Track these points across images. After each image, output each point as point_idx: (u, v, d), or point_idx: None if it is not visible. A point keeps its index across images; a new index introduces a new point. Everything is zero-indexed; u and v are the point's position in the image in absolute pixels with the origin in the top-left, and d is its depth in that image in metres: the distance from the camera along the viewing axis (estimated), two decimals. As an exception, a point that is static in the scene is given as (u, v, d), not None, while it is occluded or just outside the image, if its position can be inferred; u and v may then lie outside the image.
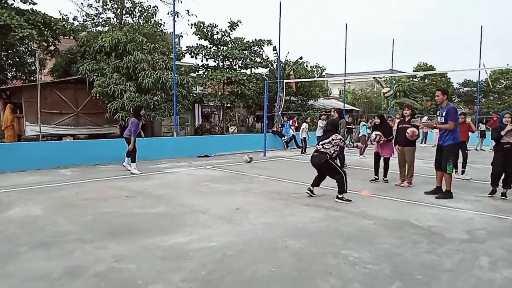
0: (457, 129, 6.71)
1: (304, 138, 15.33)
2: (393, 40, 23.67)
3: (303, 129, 15.45)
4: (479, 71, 22.46)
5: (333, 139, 6.46)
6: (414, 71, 36.55)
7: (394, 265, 3.72)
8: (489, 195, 6.95)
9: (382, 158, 8.43)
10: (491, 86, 30.58)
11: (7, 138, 13.01)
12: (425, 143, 18.80)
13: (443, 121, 6.73)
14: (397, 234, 4.69)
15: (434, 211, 5.85)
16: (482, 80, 25.72)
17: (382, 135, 8.16)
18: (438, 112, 7.06)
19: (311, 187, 6.78)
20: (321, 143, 6.54)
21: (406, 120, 7.94)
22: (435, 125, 7.24)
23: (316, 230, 4.83)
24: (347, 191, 6.42)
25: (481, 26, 21.75)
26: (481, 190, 7.57)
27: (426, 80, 36.40)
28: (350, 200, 6.35)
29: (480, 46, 21.61)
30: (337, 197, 6.40)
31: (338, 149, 6.58)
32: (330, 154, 6.45)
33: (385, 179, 8.33)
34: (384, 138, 8.17)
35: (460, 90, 38.71)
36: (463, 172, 9.25)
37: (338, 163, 6.62)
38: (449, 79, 37.67)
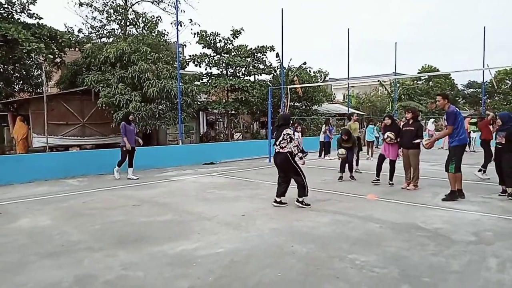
0: (462, 130, 6.70)
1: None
2: (396, 43, 23.71)
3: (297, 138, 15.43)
4: (483, 72, 22.39)
5: (284, 134, 6.17)
6: (418, 73, 36.51)
7: (402, 268, 3.72)
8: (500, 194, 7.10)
9: (387, 161, 8.41)
10: (496, 87, 30.45)
11: (19, 150, 13.25)
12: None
13: (445, 124, 6.87)
14: (403, 237, 4.68)
15: (441, 213, 5.83)
16: (486, 81, 25.64)
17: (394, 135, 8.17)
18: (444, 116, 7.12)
19: (277, 198, 6.43)
20: (277, 142, 6.25)
21: (410, 123, 7.94)
22: (436, 139, 7.36)
23: (322, 234, 4.83)
24: (307, 194, 6.26)
25: (484, 27, 21.73)
26: (487, 191, 7.53)
27: (430, 83, 36.32)
28: (309, 205, 6.21)
29: (484, 47, 21.55)
30: (297, 200, 6.25)
31: (297, 145, 6.19)
32: (290, 152, 6.15)
33: (390, 182, 8.31)
34: (395, 139, 8.15)
35: (465, 91, 38.57)
36: (481, 171, 9.25)
37: (300, 165, 6.27)
38: (453, 81, 37.57)
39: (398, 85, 27.32)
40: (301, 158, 6.23)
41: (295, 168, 6.23)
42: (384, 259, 3.95)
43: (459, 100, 38.98)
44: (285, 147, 6.16)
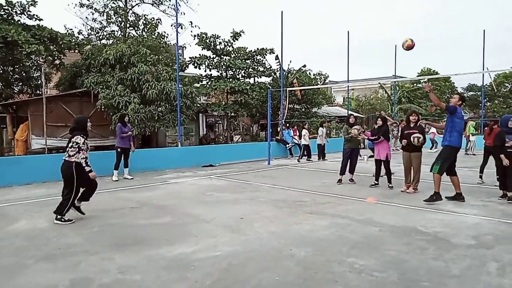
0: (454, 133, 6.66)
1: (306, 144, 15.33)
2: (396, 46, 23.71)
3: (304, 135, 15.47)
4: (483, 75, 22.42)
5: (72, 142, 5.51)
6: (418, 76, 36.54)
7: (401, 272, 3.69)
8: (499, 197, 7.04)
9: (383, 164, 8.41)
10: (496, 90, 30.47)
11: (18, 152, 13.29)
12: (435, 148, 18.66)
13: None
14: (403, 241, 4.65)
15: (440, 217, 5.80)
16: (486, 84, 25.65)
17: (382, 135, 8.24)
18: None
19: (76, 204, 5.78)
20: (67, 149, 5.62)
21: (412, 125, 7.90)
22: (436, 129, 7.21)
23: (321, 238, 4.80)
24: (64, 215, 5.58)
25: (484, 31, 21.78)
26: (488, 194, 7.51)
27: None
28: (72, 220, 5.57)
29: (483, 50, 21.60)
30: (56, 218, 5.53)
31: (85, 157, 5.56)
32: (78, 162, 5.50)
33: (390, 185, 8.28)
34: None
35: (465, 94, 38.56)
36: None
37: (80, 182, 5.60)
38: (453, 84, 37.59)
39: (397, 88, 27.31)
40: (90, 171, 5.58)
41: (72, 185, 5.55)
42: (383, 263, 3.92)
43: (459, 104, 38.98)
44: (73, 155, 5.52)
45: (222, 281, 3.54)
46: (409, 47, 7.87)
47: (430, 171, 6.85)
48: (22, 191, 8.32)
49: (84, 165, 5.54)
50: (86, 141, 5.67)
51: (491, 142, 8.09)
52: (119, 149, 9.81)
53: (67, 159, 5.59)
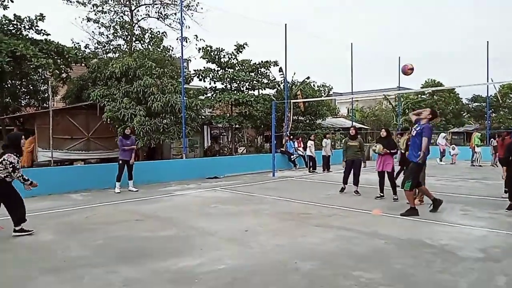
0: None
1: (311, 156, 15.32)
2: (399, 57, 23.80)
3: (310, 146, 15.47)
4: (487, 86, 22.38)
5: (4, 160, 5.37)
6: (422, 87, 36.54)
7: (408, 286, 3.65)
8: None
9: (386, 176, 8.35)
10: (501, 101, 30.36)
11: (23, 162, 13.39)
12: (441, 161, 18.55)
13: (414, 134, 6.73)
14: (409, 254, 4.60)
15: (447, 229, 5.74)
16: (491, 95, 25.57)
17: (386, 147, 8.14)
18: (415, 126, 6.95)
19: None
20: None
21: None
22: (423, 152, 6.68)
23: (327, 251, 4.77)
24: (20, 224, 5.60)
25: (487, 42, 21.85)
26: (495, 206, 7.43)
27: (434, 97, 36.29)
28: (31, 230, 5.60)
29: (487, 62, 21.63)
30: (15, 230, 5.52)
31: (21, 175, 5.51)
32: (3, 178, 5.39)
33: (395, 197, 8.22)
34: (385, 149, 8.14)
35: (470, 105, 38.45)
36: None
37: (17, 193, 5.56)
38: (457, 95, 37.51)
39: (402, 99, 27.30)
40: (30, 184, 5.63)
41: (8, 198, 5.52)
42: (390, 277, 3.88)
43: (464, 114, 38.86)
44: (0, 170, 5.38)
45: (227, 294, 3.52)
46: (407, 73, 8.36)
47: (402, 187, 6.80)
48: (27, 204, 8.25)
49: (23, 181, 5.53)
50: (19, 159, 5.55)
51: (502, 153, 8.07)
52: (120, 161, 9.90)
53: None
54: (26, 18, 13.24)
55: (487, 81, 20.36)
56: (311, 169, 15.25)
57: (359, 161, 9.18)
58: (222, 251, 4.78)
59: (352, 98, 23.57)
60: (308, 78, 21.53)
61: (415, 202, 7.71)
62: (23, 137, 5.92)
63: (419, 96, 33.41)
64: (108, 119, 13.22)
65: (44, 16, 13.47)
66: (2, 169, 5.39)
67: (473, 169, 15.62)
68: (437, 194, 8.69)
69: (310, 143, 15.60)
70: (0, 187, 5.43)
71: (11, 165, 5.40)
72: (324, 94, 28.18)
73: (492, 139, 17.53)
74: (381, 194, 8.44)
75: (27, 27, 13.42)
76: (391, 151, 8.28)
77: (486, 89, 23.59)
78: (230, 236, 5.46)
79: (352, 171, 9.17)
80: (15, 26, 13.20)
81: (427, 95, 35.93)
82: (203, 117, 17.35)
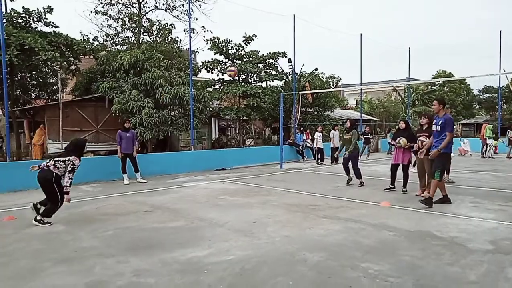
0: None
1: (320, 148, 15.28)
2: (409, 48, 23.48)
3: (317, 138, 15.42)
4: (499, 77, 21.98)
5: (69, 160, 5.75)
6: (432, 78, 36.07)
7: (416, 278, 3.64)
8: None
9: (400, 167, 8.28)
10: (513, 92, 29.82)
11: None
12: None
13: (438, 129, 6.74)
14: (418, 246, 4.58)
15: (456, 222, 5.70)
16: (503, 86, 25.16)
17: (406, 140, 8.04)
18: (434, 121, 6.98)
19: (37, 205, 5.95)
20: (56, 158, 5.88)
21: (424, 128, 7.80)
22: (439, 149, 6.66)
23: (334, 242, 4.77)
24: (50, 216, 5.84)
25: (500, 32, 21.41)
26: (505, 199, 7.35)
27: (445, 88, 35.82)
28: (50, 222, 5.79)
29: (500, 52, 21.22)
30: (35, 219, 5.75)
31: (69, 174, 5.73)
32: (58, 174, 5.74)
33: (404, 189, 8.17)
34: (408, 143, 8.03)
35: (481, 96, 37.88)
36: None
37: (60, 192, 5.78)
38: (468, 86, 36.96)
39: (411, 90, 26.99)
40: (67, 193, 5.80)
41: (55, 195, 5.78)
42: (398, 268, 3.87)
43: (474, 106, 38.34)
44: (58, 168, 5.75)
45: (235, 285, 3.55)
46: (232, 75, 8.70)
47: (432, 178, 6.80)
48: (38, 195, 8.40)
49: (68, 186, 5.76)
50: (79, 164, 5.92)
51: None
52: (122, 155, 9.97)
53: (51, 168, 5.76)
54: (34, 10, 13.30)
55: (499, 72, 20.00)
56: (319, 161, 15.22)
57: (354, 153, 9.30)
58: (231, 242, 4.82)
59: (361, 89, 23.35)
60: (316, 69, 21.39)
61: (424, 194, 7.69)
62: (86, 143, 6.42)
63: (429, 87, 32.98)
64: (117, 111, 13.31)
65: (52, 9, 13.51)
66: (62, 167, 5.76)
67: (484, 161, 15.45)
68: (447, 187, 8.64)
69: (317, 134, 15.55)
70: (53, 179, 5.73)
71: (71, 166, 5.77)
72: (333, 85, 27.96)
73: (509, 130, 17.21)
74: (392, 186, 8.39)
75: (35, 19, 13.48)
76: (412, 144, 8.18)
77: (498, 80, 23.18)
78: (239, 228, 5.49)
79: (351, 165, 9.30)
80: (24, 19, 13.27)
81: (437, 86, 35.45)
82: (211, 109, 17.36)
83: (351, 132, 9.23)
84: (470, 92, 37.35)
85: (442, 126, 6.67)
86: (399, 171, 8.29)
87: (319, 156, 15.28)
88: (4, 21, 11.73)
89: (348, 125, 9.40)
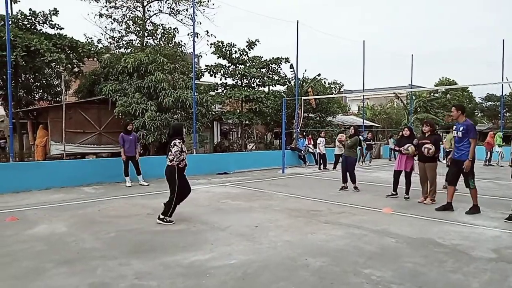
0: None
1: (323, 153, 15.26)
2: (412, 55, 23.53)
3: (319, 143, 15.41)
4: (502, 85, 21.99)
5: (174, 144, 5.98)
6: (435, 85, 36.09)
7: (419, 285, 3.63)
8: None
9: (403, 174, 8.27)
10: (516, 100, 29.82)
11: (38, 157, 13.63)
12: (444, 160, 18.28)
13: (460, 135, 6.69)
14: (420, 253, 4.57)
15: (459, 229, 5.68)
16: (506, 94, 25.15)
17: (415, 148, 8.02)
18: (454, 127, 6.98)
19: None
20: (168, 155, 6.09)
21: (426, 136, 7.82)
22: (471, 158, 6.61)
23: (336, 248, 4.76)
24: (170, 216, 6.01)
25: (503, 40, 21.45)
26: (507, 207, 7.30)
27: (447, 95, 35.82)
28: (173, 221, 5.98)
29: (503, 60, 21.25)
30: (159, 217, 5.99)
31: (181, 157, 5.98)
32: (176, 164, 5.94)
33: (406, 196, 8.15)
34: (416, 151, 8.02)
35: (483, 104, 37.84)
36: None
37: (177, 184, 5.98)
38: (471, 94, 36.96)
39: (414, 97, 27.00)
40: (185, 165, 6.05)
41: (173, 185, 5.98)
42: (400, 275, 3.86)
43: (476, 114, 38.29)
44: (172, 160, 5.95)
45: (238, 289, 3.54)
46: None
47: (467, 187, 6.74)
48: (41, 196, 8.50)
49: (183, 159, 5.99)
50: (183, 144, 6.15)
51: None
52: (124, 158, 9.99)
53: (168, 163, 6.01)
54: (40, 12, 13.40)
55: (502, 80, 20.01)
56: (321, 166, 15.20)
57: (352, 159, 9.45)
58: (233, 246, 4.81)
59: (363, 95, 23.40)
60: (319, 75, 21.44)
61: (427, 201, 7.69)
62: (184, 124, 6.51)
63: (432, 94, 32.99)
64: (120, 114, 13.35)
65: (58, 11, 13.61)
66: (174, 153, 5.90)
67: (486, 169, 15.39)
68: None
69: (320, 140, 15.54)
70: (171, 172, 5.96)
71: (176, 147, 5.94)
72: (335, 91, 28.01)
73: None
74: (394, 192, 8.38)
75: (41, 21, 13.58)
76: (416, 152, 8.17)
77: (501, 88, 23.17)
78: (240, 232, 5.49)
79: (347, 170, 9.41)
80: (29, 21, 13.37)
81: (440, 93, 35.45)
82: (213, 113, 17.40)
83: (354, 139, 9.37)
84: (472, 100, 37.33)
85: (463, 133, 6.63)
86: (402, 178, 8.28)
87: (321, 162, 15.27)
88: (10, 22, 11.81)
89: (352, 131, 9.50)
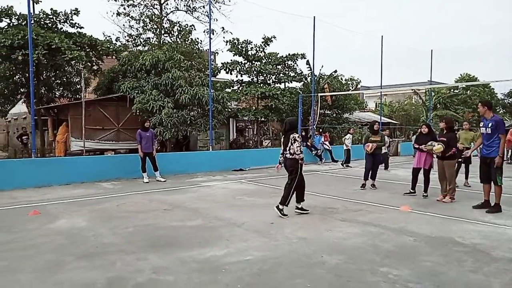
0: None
1: (348, 149, 15.08)
2: (432, 50, 23.05)
3: (347, 138, 15.27)
4: (526, 81, 21.28)
5: (293, 138, 6.28)
6: (456, 82, 35.30)
7: (437, 284, 3.57)
8: None
9: (422, 171, 8.13)
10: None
11: (58, 153, 13.99)
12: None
13: (489, 132, 6.48)
14: (439, 252, 4.49)
15: (479, 228, 5.56)
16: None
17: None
18: (482, 123, 6.78)
19: (297, 205, 6.53)
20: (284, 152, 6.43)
21: (444, 133, 7.68)
22: (502, 152, 6.43)
23: (353, 246, 4.72)
24: (287, 205, 6.25)
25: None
26: (531, 206, 7.11)
27: (468, 91, 34.98)
28: (286, 215, 6.16)
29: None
30: (277, 207, 6.27)
31: (301, 148, 6.32)
32: (298, 157, 6.26)
33: (424, 194, 8.01)
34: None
35: (505, 100, 36.83)
36: None
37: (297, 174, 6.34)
38: (492, 90, 36.01)
39: (433, 93, 26.47)
40: (302, 159, 6.31)
41: (297, 173, 6.30)
42: (418, 274, 3.81)
43: (498, 110, 37.29)
44: (294, 150, 6.27)
45: (253, 286, 3.56)
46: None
47: (495, 184, 6.52)
48: (61, 191, 8.71)
49: (298, 152, 6.24)
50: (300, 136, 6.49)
51: None
52: (142, 154, 10.11)
53: (290, 157, 6.31)
54: (61, 12, 13.68)
55: (526, 75, 19.38)
56: (343, 163, 15.02)
57: (378, 156, 9.40)
58: (249, 242, 4.83)
59: (381, 92, 23.03)
60: (335, 71, 21.23)
61: (446, 199, 7.54)
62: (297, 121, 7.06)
63: (452, 90, 32.27)
64: (137, 111, 13.53)
65: (79, 11, 13.89)
66: (296, 147, 6.21)
67: (508, 167, 14.98)
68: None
69: (348, 136, 15.43)
70: (294, 166, 6.30)
71: (295, 140, 6.24)
72: (352, 87, 27.69)
73: None
74: (412, 190, 8.24)
75: (62, 21, 13.87)
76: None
77: (524, 84, 22.48)
78: (256, 228, 5.51)
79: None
80: (51, 20, 13.67)
81: (460, 89, 34.65)
82: (229, 110, 17.45)
83: (380, 135, 9.40)
84: (494, 96, 36.37)
85: (492, 129, 6.44)
86: (421, 176, 8.14)
87: (345, 158, 15.10)
88: (33, 22, 12.09)
89: (376, 127, 9.47)
